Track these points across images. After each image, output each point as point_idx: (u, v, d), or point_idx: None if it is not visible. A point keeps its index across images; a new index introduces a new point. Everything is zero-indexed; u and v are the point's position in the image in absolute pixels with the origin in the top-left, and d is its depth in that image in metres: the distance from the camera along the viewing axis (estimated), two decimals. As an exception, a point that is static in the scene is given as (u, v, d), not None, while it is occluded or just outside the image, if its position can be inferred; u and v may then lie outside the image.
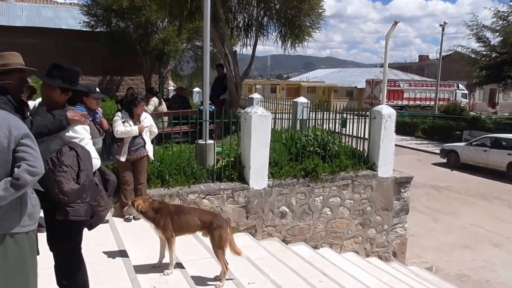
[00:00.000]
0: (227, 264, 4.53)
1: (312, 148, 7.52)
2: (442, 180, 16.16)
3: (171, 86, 19.87)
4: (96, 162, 3.15)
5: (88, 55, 15.47)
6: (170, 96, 15.18)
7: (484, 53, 26.14)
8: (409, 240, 8.68)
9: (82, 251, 3.96)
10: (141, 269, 4.40)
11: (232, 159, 6.98)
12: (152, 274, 4.39)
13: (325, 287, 5.38)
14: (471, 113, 34.15)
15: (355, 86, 46.08)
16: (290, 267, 5.70)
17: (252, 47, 11.35)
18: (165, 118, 8.58)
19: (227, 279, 4.53)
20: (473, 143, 18.15)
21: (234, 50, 11.12)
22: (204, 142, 6.88)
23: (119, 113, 5.66)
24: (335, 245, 7.47)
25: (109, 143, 5.33)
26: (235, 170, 6.81)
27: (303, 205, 7.16)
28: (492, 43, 25.51)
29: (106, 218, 5.35)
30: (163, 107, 9.72)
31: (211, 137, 7.06)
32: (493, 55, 25.49)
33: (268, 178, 6.86)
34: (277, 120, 9.10)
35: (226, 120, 6.91)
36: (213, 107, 9.58)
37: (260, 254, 5.88)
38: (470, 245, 9.86)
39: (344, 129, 8.52)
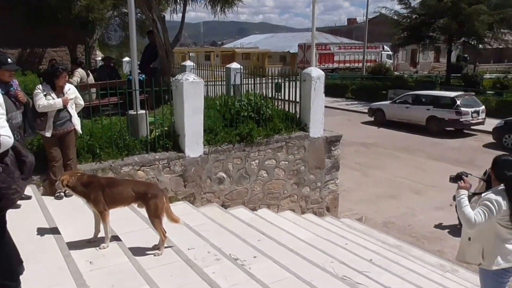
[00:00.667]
0: (165, 232, 4.47)
1: (246, 113, 7.48)
2: (371, 137, 16.87)
3: (99, 56, 18.88)
4: (7, 140, 2.82)
5: (3, 25, 14.13)
6: (97, 67, 14.40)
7: (405, 14, 27.07)
8: (341, 195, 9.03)
9: (13, 231, 3.75)
10: (75, 245, 4.22)
11: (166, 128, 6.80)
12: (87, 249, 4.23)
13: (263, 245, 5.48)
14: (395, 73, 35.66)
15: (288, 51, 46.38)
16: (229, 230, 5.75)
17: (181, 12, 11.00)
18: (93, 90, 8.17)
19: (166, 247, 4.48)
20: (397, 101, 19.00)
21: (162, 15, 10.70)
22: (135, 113, 6.63)
23: (39, 86, 5.26)
24: (273, 206, 7.61)
25: (32, 117, 4.96)
26: (170, 140, 6.65)
27: (240, 170, 7.17)
28: (412, 4, 26.43)
29: (28, 197, 5.05)
30: (91, 79, 9.24)
31: (142, 107, 6.81)
32: (413, 17, 26.46)
33: (204, 145, 6.77)
34: (210, 87, 8.95)
35: (157, 89, 6.65)
36: (143, 76, 9.23)
37: (199, 221, 5.87)
38: (395, 194, 10.44)
39: (278, 93, 8.56)
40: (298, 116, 8.15)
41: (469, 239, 3.83)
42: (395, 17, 27.98)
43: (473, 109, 16.74)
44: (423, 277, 5.70)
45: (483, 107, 17.31)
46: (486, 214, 3.56)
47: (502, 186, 3.67)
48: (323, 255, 5.70)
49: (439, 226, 8.72)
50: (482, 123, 16.94)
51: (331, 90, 27.32)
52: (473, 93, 19.08)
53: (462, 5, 23.23)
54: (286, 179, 7.75)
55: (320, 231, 6.93)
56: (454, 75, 29.17)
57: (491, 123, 16.06)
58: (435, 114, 17.12)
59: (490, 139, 15.61)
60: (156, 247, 4.50)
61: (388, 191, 10.66)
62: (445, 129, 17.06)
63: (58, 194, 5.34)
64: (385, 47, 46.00)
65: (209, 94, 8.79)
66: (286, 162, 7.68)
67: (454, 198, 3.80)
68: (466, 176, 3.80)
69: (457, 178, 3.79)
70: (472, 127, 17.12)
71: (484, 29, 23.89)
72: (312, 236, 6.56)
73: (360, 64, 39.02)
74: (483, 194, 3.74)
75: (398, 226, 8.70)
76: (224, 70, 11.95)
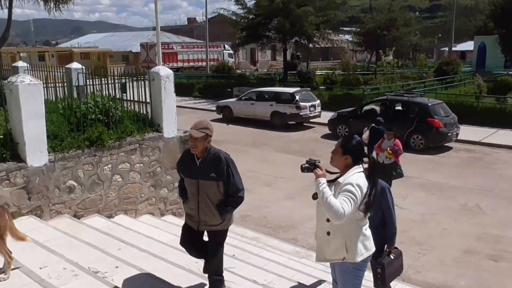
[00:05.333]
0: (11, 253, 3.98)
1: (94, 116, 7.04)
2: (220, 134, 17.27)
3: None
4: None
5: None
6: None
7: (243, 15, 28.39)
8: (197, 193, 9.05)
9: None
10: None
11: (1, 136, 6.01)
12: None
13: (124, 253, 5.25)
14: (238, 71, 37.13)
15: (130, 50, 44.99)
16: (85, 241, 5.36)
17: (7, 8, 9.82)
18: None
19: (13, 269, 3.99)
20: (242, 98, 19.82)
21: (-16, 11, 9.41)
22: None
23: None
24: (130, 211, 7.30)
25: None
26: (7, 149, 5.89)
27: (92, 176, 6.71)
28: (248, 5, 27.84)
29: None
30: None
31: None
32: (250, 17, 27.90)
33: (49, 152, 6.17)
34: (49, 89, 8.17)
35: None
36: (-36, 79, 8.00)
37: (50, 235, 5.35)
38: (248, 188, 10.68)
39: (124, 94, 8.21)
40: (150, 117, 7.95)
41: (328, 233, 3.44)
42: (233, 17, 29.17)
43: (310, 104, 18.35)
44: (282, 266, 6.04)
45: (318, 101, 19.11)
46: (352, 202, 3.24)
47: (357, 168, 3.44)
48: (186, 256, 5.66)
49: (290, 214, 9.35)
50: (318, 116, 18.70)
51: (178, 89, 27.05)
52: (309, 89, 20.92)
53: (292, 6, 25.25)
54: (142, 182, 7.50)
55: (180, 232, 6.86)
56: (290, 72, 31.64)
57: (326, 116, 17.82)
58: (277, 109, 18.31)
59: (326, 130, 17.30)
60: (1, 271, 3.98)
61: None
62: (287, 123, 18.38)
63: None
64: (226, 46, 47.60)
65: (48, 97, 8.03)
66: (141, 165, 7.44)
67: (316, 196, 3.35)
68: (319, 162, 3.40)
69: (312, 167, 3.35)
70: (310, 120, 18.76)
71: (312, 29, 26.34)
72: (174, 238, 6.43)
73: (204, 63, 39.71)
74: (341, 180, 3.39)
75: (254, 219, 9.09)
76: (64, 70, 11.03)
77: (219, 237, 4.36)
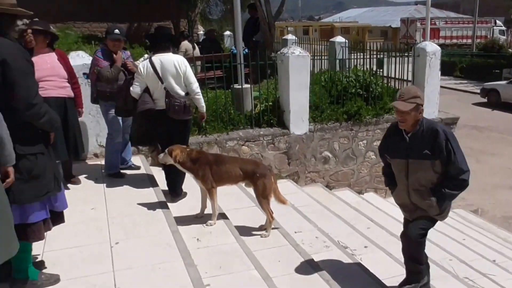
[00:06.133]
0: (272, 213, 4.22)
1: (354, 90, 6.97)
2: (483, 120, 15.33)
3: (200, 30, 19.17)
4: None
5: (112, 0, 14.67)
6: (200, 40, 14.55)
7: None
8: (453, 182, 8.18)
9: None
10: (182, 220, 4.14)
11: (271, 103, 6.53)
12: (194, 225, 4.13)
13: (372, 233, 5.07)
14: (510, 50, 32.16)
15: (390, 26, 44.03)
16: (335, 213, 5.40)
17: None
18: (198, 63, 8.11)
19: (272, 229, 4.23)
20: (515, 81, 17.04)
21: (265, -12, 10.34)
22: (240, 87, 6.43)
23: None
24: (380, 190, 7.07)
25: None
26: (274, 115, 6.38)
27: (346, 150, 6.72)
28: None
29: (137, 167, 5.10)
30: (196, 52, 9.24)
31: (246, 81, 6.60)
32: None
33: (309, 122, 6.42)
34: (314, 61, 8.50)
35: (262, 63, 6.37)
36: (246, 50, 9.03)
37: (304, 201, 5.58)
38: (516, 187, 9.29)
39: (381, 69, 7.90)
40: (410, 94, 7.43)
41: None
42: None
43: None
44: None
45: None
46: None
47: None
48: (439, 250, 5.12)
49: None
50: None
51: (437, 68, 25.53)
52: None
53: None
54: (395, 163, 7.13)
55: (433, 222, 6.28)
56: None
57: None
58: None
59: None
60: (263, 228, 4.28)
61: (506, 181, 9.49)
62: None
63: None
64: (498, 22, 41.74)
65: (313, 69, 8.37)
66: (396, 145, 7.06)
67: None
68: None
69: None
70: None
71: None
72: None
73: (469, 40, 35.76)
74: None
75: (521, 223, 7.72)
76: (327, 44, 11.39)
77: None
